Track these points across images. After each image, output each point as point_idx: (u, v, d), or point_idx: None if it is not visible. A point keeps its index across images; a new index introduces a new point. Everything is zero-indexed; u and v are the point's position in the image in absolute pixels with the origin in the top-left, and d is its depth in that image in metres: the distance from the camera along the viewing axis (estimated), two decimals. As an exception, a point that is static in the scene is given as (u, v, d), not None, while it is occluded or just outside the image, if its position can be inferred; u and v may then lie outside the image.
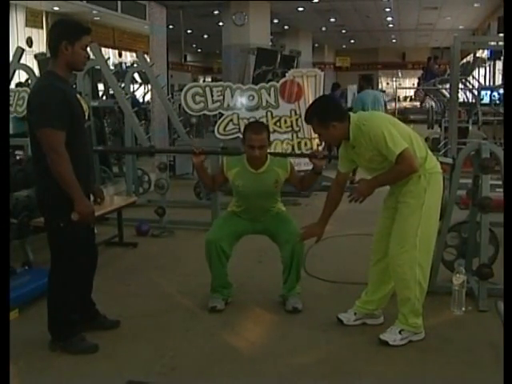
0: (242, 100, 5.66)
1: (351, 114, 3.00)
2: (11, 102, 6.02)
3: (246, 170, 3.46)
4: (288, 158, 3.90)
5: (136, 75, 9.32)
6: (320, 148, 5.45)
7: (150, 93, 9.42)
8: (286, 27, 17.24)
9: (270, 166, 3.47)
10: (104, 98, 8.00)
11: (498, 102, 9.13)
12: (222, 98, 5.63)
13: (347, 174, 3.19)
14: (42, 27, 10.30)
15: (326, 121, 2.92)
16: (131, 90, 10.04)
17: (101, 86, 8.10)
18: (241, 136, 5.35)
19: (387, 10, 15.15)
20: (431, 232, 2.97)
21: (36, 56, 7.21)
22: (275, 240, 3.57)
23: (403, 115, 16.15)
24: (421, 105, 17.99)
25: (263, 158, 3.45)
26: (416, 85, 18.79)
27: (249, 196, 3.49)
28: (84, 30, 2.81)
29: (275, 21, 14.27)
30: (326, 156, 3.53)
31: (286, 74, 5.98)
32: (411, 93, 22.88)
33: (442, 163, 3.71)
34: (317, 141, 5.55)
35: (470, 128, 8.77)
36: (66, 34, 2.75)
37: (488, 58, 11.87)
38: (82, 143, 2.87)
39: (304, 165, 5.26)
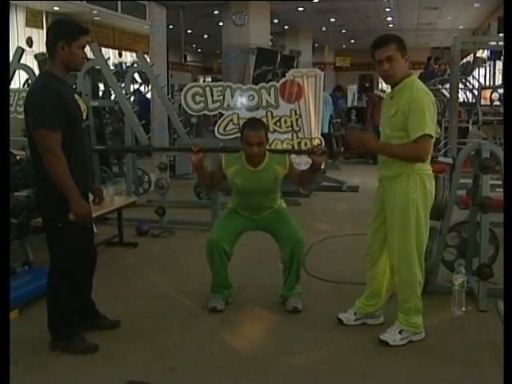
0: (242, 100, 5.66)
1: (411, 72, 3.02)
2: (11, 102, 6.02)
3: (245, 168, 3.44)
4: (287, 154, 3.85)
5: (136, 75, 9.31)
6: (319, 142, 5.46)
7: (149, 93, 9.42)
8: (286, 27, 17.21)
9: (269, 163, 3.44)
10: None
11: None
12: (222, 98, 5.64)
13: None
14: (42, 27, 10.26)
15: (403, 49, 3.00)
16: (141, 88, 10.11)
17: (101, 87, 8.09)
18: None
19: (387, 9, 15.12)
20: (424, 232, 2.96)
21: (36, 56, 7.19)
22: (275, 238, 3.56)
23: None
24: None
25: (261, 155, 3.41)
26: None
27: (248, 194, 3.47)
28: (81, 31, 2.80)
29: (275, 21, 14.25)
30: (325, 152, 3.46)
31: (286, 74, 5.97)
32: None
33: (442, 163, 3.72)
34: (317, 140, 5.56)
35: (470, 128, 8.77)
36: (63, 34, 2.75)
37: (488, 58, 11.85)
38: (80, 143, 2.86)
39: (304, 165, 5.25)
